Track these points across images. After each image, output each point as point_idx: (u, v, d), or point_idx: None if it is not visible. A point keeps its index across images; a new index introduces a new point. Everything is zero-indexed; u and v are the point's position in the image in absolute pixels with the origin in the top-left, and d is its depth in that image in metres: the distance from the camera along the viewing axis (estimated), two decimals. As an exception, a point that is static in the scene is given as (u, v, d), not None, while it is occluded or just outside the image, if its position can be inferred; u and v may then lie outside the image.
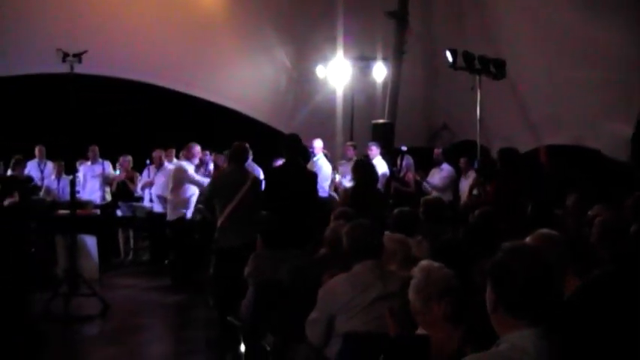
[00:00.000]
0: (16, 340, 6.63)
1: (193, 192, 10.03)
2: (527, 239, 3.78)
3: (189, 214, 10.04)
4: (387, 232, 4.86)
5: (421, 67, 14.42)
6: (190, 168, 9.78)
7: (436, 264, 3.43)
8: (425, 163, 11.83)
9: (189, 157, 9.85)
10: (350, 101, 14.06)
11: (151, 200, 11.66)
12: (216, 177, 7.83)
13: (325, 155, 11.08)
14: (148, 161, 12.04)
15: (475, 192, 10.34)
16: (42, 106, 13.65)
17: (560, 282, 3.11)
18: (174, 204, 10.03)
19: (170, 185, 10.13)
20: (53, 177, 11.88)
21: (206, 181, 9.42)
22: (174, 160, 12.32)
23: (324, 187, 10.36)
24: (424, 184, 11.19)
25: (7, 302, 6.52)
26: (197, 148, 9.86)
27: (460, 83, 11.76)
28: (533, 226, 4.06)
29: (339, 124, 14.27)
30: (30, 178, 11.46)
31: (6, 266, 7.29)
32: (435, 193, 10.19)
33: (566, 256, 3.78)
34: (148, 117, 14.78)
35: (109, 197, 12.17)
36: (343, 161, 11.71)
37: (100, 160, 12.20)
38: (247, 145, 7.59)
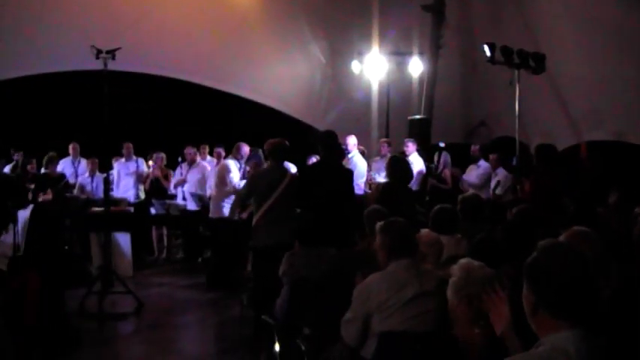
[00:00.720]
0: (51, 337, 6.72)
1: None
2: (562, 237, 3.75)
3: (226, 211, 10.14)
4: (422, 230, 4.86)
5: (458, 61, 14.33)
6: (235, 168, 9.82)
7: (476, 263, 3.42)
8: (462, 159, 11.76)
9: (237, 157, 9.90)
10: (385, 97, 14.03)
11: (184, 198, 11.76)
12: (255, 175, 7.84)
13: (361, 152, 11.06)
14: (180, 159, 12.15)
15: (498, 191, 10.31)
16: (76, 103, 13.84)
17: (598, 281, 3.08)
18: (216, 202, 10.08)
19: (214, 183, 10.21)
20: (87, 174, 12.02)
21: (240, 184, 9.47)
22: (208, 157, 12.47)
23: (359, 184, 10.34)
24: (462, 180, 11.12)
25: (43, 300, 6.61)
26: (246, 149, 9.90)
27: (498, 78, 11.66)
28: (575, 224, 4.00)
29: (375, 120, 14.24)
30: (63, 176, 11.65)
31: (41, 263, 7.40)
32: (472, 191, 10.14)
33: (604, 254, 3.74)
34: (181, 114, 14.91)
35: (142, 195, 12.29)
36: (378, 158, 11.69)
37: (134, 157, 12.34)
38: (286, 142, 7.56)
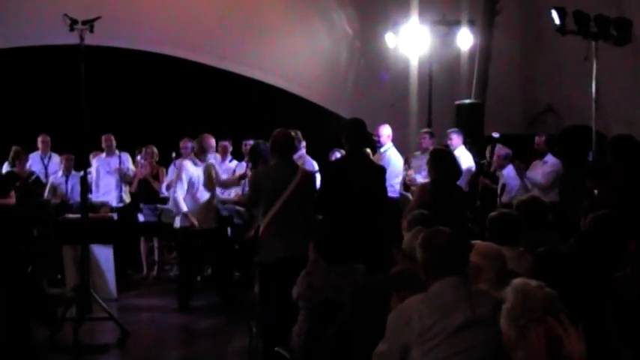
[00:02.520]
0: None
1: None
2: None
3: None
4: (476, 242, 4.83)
5: (519, 32, 14.27)
6: (192, 170, 10.11)
7: (533, 282, 3.38)
8: (524, 154, 11.69)
9: (199, 156, 10.14)
10: (427, 77, 13.98)
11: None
12: (257, 174, 7.86)
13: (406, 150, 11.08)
14: (174, 154, 12.14)
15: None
16: (45, 86, 13.92)
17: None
18: (205, 208, 10.29)
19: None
20: (60, 173, 12.09)
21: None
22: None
23: (394, 185, 10.31)
24: (524, 179, 11.05)
25: (2, 329, 6.65)
26: (211, 141, 10.22)
27: (570, 52, 11.59)
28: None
29: (414, 106, 14.23)
30: (32, 174, 11.75)
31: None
32: (536, 192, 10.07)
33: None
34: (175, 99, 14.97)
35: (127, 198, 12.37)
36: (417, 153, 11.65)
37: (117, 152, 12.40)
38: (294, 132, 7.60)
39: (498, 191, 10.37)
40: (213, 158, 12.08)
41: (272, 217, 7.19)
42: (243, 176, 10.55)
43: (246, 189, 10.06)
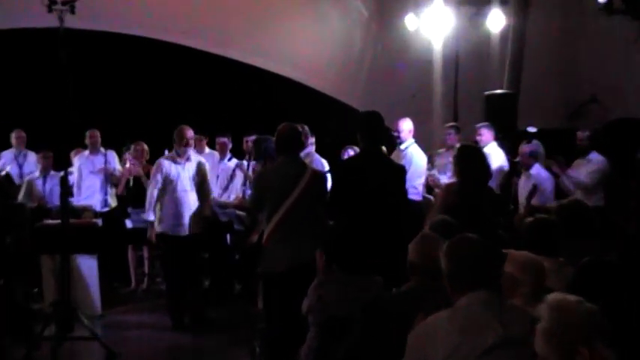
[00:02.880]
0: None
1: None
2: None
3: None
4: (510, 251, 4.83)
5: (558, 11, 14.23)
6: (167, 168, 10.12)
7: (572, 298, 3.38)
8: (564, 151, 11.67)
9: (178, 153, 10.13)
10: (453, 64, 13.98)
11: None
12: (261, 174, 7.88)
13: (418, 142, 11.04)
14: (167, 151, 12.13)
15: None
16: (21, 74, 13.95)
17: None
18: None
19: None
20: (37, 173, 12.13)
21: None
22: (207, 149, 12.52)
23: (415, 186, 10.31)
24: (563, 178, 11.01)
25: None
26: (187, 133, 10.14)
27: (617, 35, 11.55)
28: None
29: (438, 96, 14.26)
30: (6, 175, 11.77)
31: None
32: (578, 194, 10.06)
33: None
34: (169, 91, 15.00)
35: (114, 202, 12.36)
36: (442, 150, 11.66)
37: (102, 149, 12.41)
38: (301, 127, 7.60)
39: (525, 193, 10.31)
40: (211, 156, 12.15)
41: (277, 221, 7.25)
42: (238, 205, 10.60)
43: (248, 191, 10.08)
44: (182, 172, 10.06)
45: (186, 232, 10.01)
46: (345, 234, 6.02)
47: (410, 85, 14.27)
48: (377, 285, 5.56)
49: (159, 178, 10.03)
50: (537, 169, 10.58)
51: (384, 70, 14.82)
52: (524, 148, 10.82)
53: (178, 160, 10.07)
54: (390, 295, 5.21)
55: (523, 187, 10.48)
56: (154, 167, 10.27)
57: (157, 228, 10.12)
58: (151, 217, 10.06)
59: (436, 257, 4.35)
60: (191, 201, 10.07)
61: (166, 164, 10.08)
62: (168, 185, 10.02)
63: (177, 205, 10.02)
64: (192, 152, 10.27)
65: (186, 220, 10.00)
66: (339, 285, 5.64)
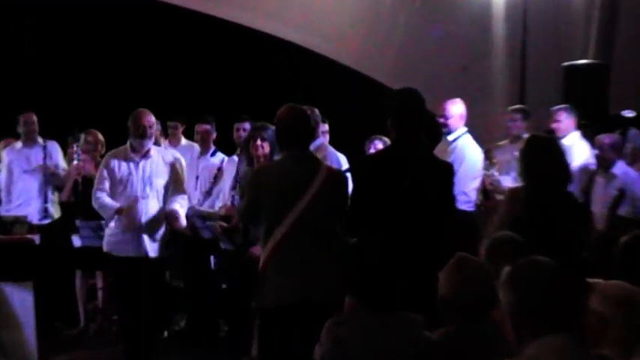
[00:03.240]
0: None
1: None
2: None
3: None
4: (598, 281, 4.79)
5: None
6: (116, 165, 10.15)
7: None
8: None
9: (135, 147, 10.14)
10: (519, 26, 13.97)
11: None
12: (257, 174, 7.83)
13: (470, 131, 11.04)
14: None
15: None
16: None
17: None
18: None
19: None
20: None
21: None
22: (183, 140, 12.57)
23: (467, 192, 10.31)
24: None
25: None
26: (146, 119, 10.08)
27: None
28: None
29: (498, 70, 14.29)
30: None
31: None
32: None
33: None
34: (136, 61, 15.09)
35: (56, 212, 12.38)
36: (504, 142, 11.68)
37: (41, 140, 12.41)
38: (309, 110, 7.54)
39: (608, 201, 10.27)
40: (189, 150, 12.15)
41: (280, 239, 7.18)
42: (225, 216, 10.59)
43: (237, 197, 10.05)
44: (135, 172, 10.03)
45: (142, 253, 10.00)
46: (370, 255, 5.96)
47: (460, 55, 14.29)
48: (415, 325, 5.49)
49: (104, 175, 10.01)
50: (623, 168, 10.49)
51: (422, 35, 14.82)
52: (604, 138, 10.75)
53: (132, 155, 10.04)
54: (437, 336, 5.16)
55: (602, 191, 10.41)
56: (100, 166, 10.28)
57: (104, 246, 10.16)
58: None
59: (479, 290, 4.30)
60: (150, 210, 10.05)
61: (114, 161, 10.06)
62: (115, 188, 9.99)
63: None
64: (153, 146, 10.23)
65: (143, 236, 9.98)
66: (364, 325, 5.59)
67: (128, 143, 10.08)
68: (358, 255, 6.07)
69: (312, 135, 8.05)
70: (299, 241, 7.14)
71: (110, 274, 10.39)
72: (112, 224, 9.92)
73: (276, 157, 8.17)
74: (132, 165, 9.99)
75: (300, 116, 7.47)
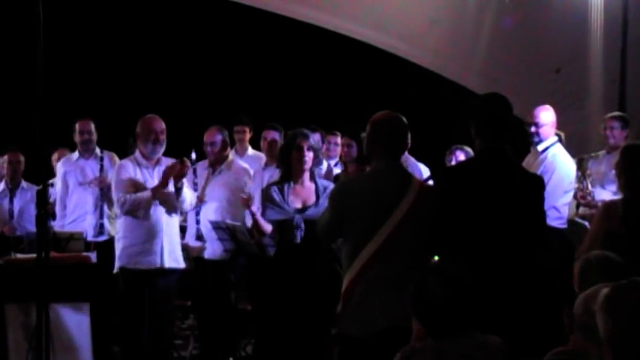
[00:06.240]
0: None
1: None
2: None
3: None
4: None
5: None
6: (131, 171, 10.45)
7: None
8: None
9: (143, 150, 10.47)
10: (619, 21, 13.89)
11: (199, 236, 11.91)
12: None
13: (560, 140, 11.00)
14: (193, 154, 12.06)
15: None
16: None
17: None
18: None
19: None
20: (1, 185, 12.39)
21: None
22: (250, 150, 12.65)
23: (558, 207, 10.28)
24: None
25: None
26: (156, 125, 10.46)
27: None
28: None
29: (595, 72, 14.18)
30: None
31: None
32: None
33: None
34: (200, 66, 15.19)
35: (113, 228, 12.20)
36: (600, 153, 11.58)
37: (99, 151, 12.50)
38: (403, 118, 7.50)
39: None
40: (257, 161, 12.20)
41: (368, 260, 7.10)
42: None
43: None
44: (151, 179, 10.17)
45: (158, 264, 10.31)
46: (458, 279, 5.94)
47: (552, 56, 14.21)
48: (493, 349, 5.53)
49: (125, 178, 10.36)
50: None
51: (511, 35, 14.77)
52: None
53: (144, 162, 10.29)
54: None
55: None
56: (115, 170, 10.57)
57: (117, 260, 10.39)
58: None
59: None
60: (165, 219, 10.40)
61: (129, 166, 10.33)
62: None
63: (143, 225, 10.31)
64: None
65: (158, 247, 10.27)
66: (444, 351, 5.62)
67: (137, 151, 10.36)
68: (438, 277, 6.05)
69: (407, 145, 7.78)
70: (388, 262, 7.05)
71: (124, 289, 10.47)
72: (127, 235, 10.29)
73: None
74: (147, 172, 10.15)
75: (400, 125, 7.43)
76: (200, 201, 11.82)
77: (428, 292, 5.67)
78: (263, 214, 9.55)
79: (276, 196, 9.29)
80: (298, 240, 9.27)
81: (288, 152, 9.38)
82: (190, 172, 11.02)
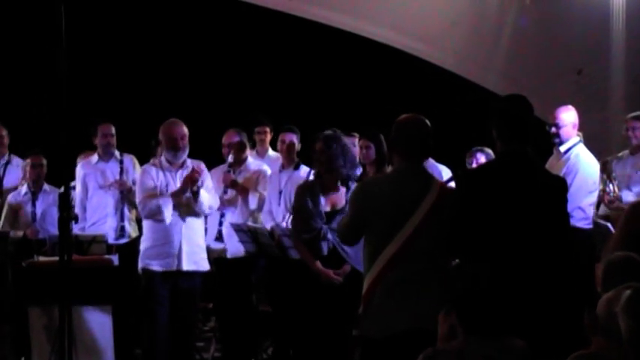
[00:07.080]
0: None
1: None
2: None
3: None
4: None
5: None
6: (152, 175, 10.55)
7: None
8: None
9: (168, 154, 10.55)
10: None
11: (218, 235, 11.87)
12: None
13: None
14: (231, 157, 12.02)
15: None
16: None
17: None
18: None
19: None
20: (24, 188, 12.38)
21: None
22: (270, 151, 12.69)
23: (583, 207, 10.28)
24: None
25: None
26: (178, 130, 10.51)
27: None
28: None
29: (618, 72, 14.15)
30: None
31: None
32: None
33: None
34: (215, 68, 15.28)
35: (134, 230, 12.48)
36: (623, 153, 11.59)
37: (118, 153, 12.53)
38: (425, 120, 7.49)
39: None
40: (276, 162, 12.22)
41: (388, 261, 7.07)
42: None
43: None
44: (173, 183, 10.32)
45: (179, 266, 10.41)
46: (474, 280, 5.96)
47: (574, 56, 14.20)
48: (517, 353, 5.58)
49: (148, 182, 10.45)
50: None
51: (532, 36, 14.77)
52: None
53: (168, 166, 10.37)
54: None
55: None
56: (139, 175, 10.69)
57: (139, 262, 10.52)
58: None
59: None
60: (190, 225, 10.43)
61: (152, 170, 10.43)
62: None
63: (162, 227, 10.39)
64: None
65: (176, 249, 10.38)
66: (469, 353, 5.63)
67: (162, 156, 10.46)
68: (463, 279, 6.06)
69: (431, 148, 7.60)
70: (409, 264, 7.03)
71: (145, 289, 10.58)
72: (148, 237, 10.41)
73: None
74: (169, 175, 10.21)
75: (423, 127, 7.37)
76: (223, 204, 11.81)
77: (479, 291, 5.69)
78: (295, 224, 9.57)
79: (309, 204, 9.28)
80: (325, 252, 9.21)
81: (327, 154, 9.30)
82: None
